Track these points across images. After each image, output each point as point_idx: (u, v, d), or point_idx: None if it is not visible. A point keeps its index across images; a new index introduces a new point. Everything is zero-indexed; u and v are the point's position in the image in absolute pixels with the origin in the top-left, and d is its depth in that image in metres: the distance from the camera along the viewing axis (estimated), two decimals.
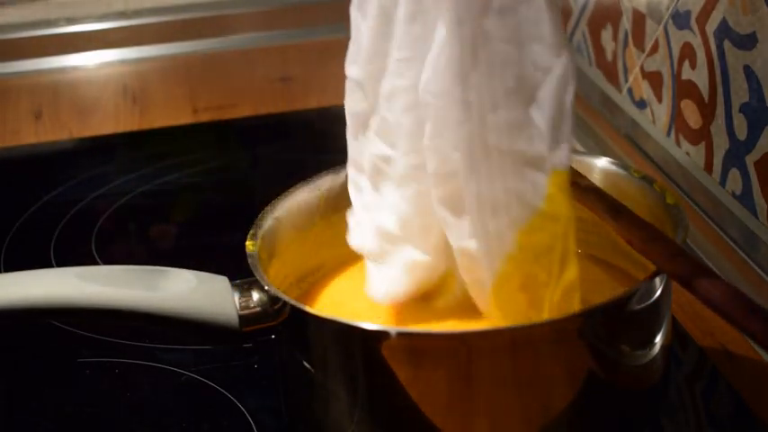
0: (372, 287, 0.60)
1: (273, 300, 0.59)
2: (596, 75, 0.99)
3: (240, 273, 0.60)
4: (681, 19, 0.81)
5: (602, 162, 0.66)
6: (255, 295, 0.59)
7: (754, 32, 0.71)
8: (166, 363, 0.71)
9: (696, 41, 0.79)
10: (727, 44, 0.75)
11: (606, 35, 0.96)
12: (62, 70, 1.23)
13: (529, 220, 0.54)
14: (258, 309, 0.59)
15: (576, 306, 0.55)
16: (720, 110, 0.77)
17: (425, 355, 0.54)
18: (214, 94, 1.15)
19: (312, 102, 1.10)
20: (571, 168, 0.55)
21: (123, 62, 1.24)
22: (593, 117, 0.98)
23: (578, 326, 0.54)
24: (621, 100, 0.94)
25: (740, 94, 0.74)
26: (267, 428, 0.65)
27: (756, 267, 0.73)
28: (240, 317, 0.59)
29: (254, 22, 1.26)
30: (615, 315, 0.55)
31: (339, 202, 0.65)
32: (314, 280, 0.67)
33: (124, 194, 0.95)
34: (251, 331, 0.59)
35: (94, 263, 0.84)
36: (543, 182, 0.54)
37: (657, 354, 0.58)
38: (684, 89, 0.82)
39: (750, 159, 0.74)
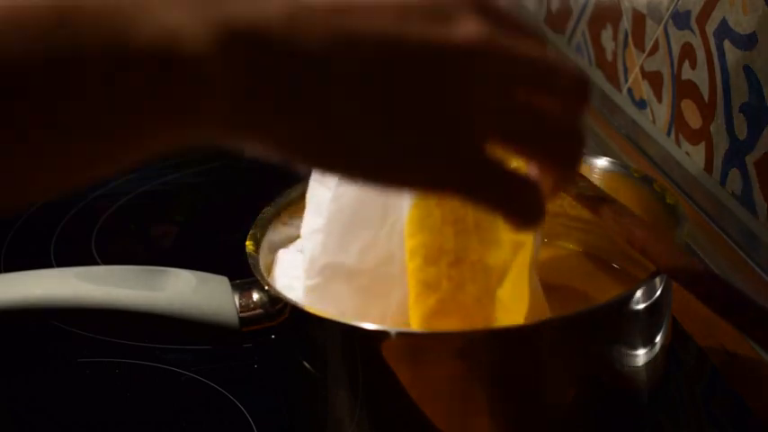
0: None
1: (274, 300, 0.58)
2: (596, 75, 0.99)
3: (240, 273, 0.60)
4: (681, 19, 0.81)
5: (602, 162, 0.66)
6: (255, 295, 0.59)
7: (754, 32, 0.71)
8: (166, 363, 0.71)
9: (696, 41, 0.79)
10: (727, 44, 0.75)
11: (606, 35, 0.96)
12: None
13: None
14: (258, 309, 0.59)
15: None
16: (720, 110, 0.77)
17: (425, 355, 0.54)
18: None
19: None
20: None
21: None
22: (594, 117, 0.98)
23: (578, 326, 0.54)
24: (621, 100, 0.94)
25: (740, 94, 0.74)
26: (267, 428, 0.65)
27: (756, 267, 0.73)
28: (240, 317, 0.59)
29: None
30: (615, 315, 0.55)
31: None
32: None
33: (124, 194, 0.95)
34: (251, 331, 0.59)
35: (94, 263, 0.83)
36: None
37: (657, 354, 0.58)
38: (684, 89, 0.82)
39: (750, 159, 0.74)
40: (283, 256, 0.63)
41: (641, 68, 0.89)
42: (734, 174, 0.76)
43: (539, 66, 0.43)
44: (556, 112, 0.43)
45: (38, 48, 0.37)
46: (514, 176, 0.43)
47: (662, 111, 0.86)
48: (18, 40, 0.37)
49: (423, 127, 0.41)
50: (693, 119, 0.81)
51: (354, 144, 0.41)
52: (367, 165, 0.42)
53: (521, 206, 0.43)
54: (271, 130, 0.40)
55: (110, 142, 0.39)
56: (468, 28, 0.41)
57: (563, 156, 0.45)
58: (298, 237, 0.65)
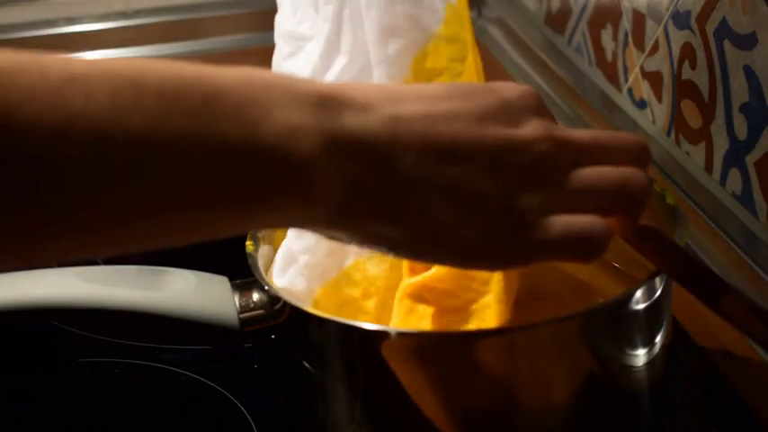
0: None
1: (273, 300, 0.59)
2: (596, 75, 0.99)
3: (240, 273, 0.60)
4: (681, 19, 0.81)
5: None
6: (255, 295, 0.59)
7: (754, 32, 0.71)
8: (166, 363, 0.71)
9: (696, 41, 0.79)
10: (727, 44, 0.75)
11: (606, 35, 0.96)
12: None
13: (425, 44, 0.58)
14: (258, 309, 0.59)
15: None
16: (720, 110, 0.77)
17: (425, 355, 0.54)
18: None
19: None
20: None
21: None
22: (594, 117, 0.98)
23: (578, 326, 0.54)
24: (621, 100, 0.94)
25: (740, 94, 0.74)
26: (267, 428, 0.65)
27: (756, 267, 0.73)
28: (240, 317, 0.59)
29: (254, 22, 1.25)
30: (615, 315, 0.55)
31: None
32: None
33: None
34: (251, 331, 0.59)
35: (94, 263, 0.83)
36: (441, 7, 0.58)
37: (657, 354, 0.58)
38: (684, 89, 0.82)
39: (750, 159, 0.74)
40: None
41: (641, 68, 0.89)
42: (734, 174, 0.76)
43: (598, 141, 0.50)
44: (618, 175, 0.49)
45: (177, 126, 0.40)
46: (584, 230, 0.48)
47: (662, 111, 0.86)
48: (165, 117, 0.40)
49: (507, 217, 0.46)
50: (693, 119, 0.81)
51: (450, 240, 0.46)
52: (462, 258, 0.47)
53: (588, 252, 0.48)
54: (368, 231, 0.45)
55: (214, 219, 0.43)
56: (529, 128, 0.48)
57: (628, 210, 0.50)
58: None
